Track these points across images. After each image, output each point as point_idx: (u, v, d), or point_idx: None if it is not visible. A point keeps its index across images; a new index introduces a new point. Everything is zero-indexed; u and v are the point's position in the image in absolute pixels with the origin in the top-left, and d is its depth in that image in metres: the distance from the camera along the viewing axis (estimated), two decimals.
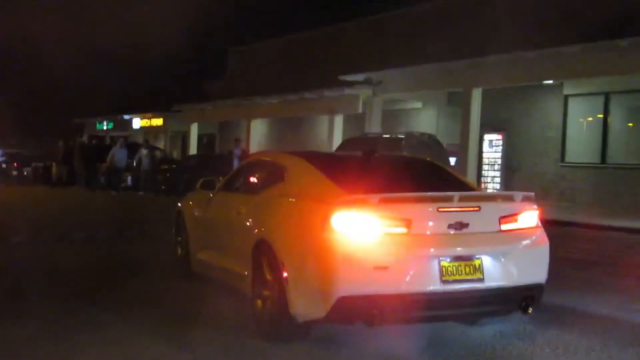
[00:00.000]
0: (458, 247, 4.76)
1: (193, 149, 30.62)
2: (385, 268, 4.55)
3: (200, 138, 32.03)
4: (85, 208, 16.04)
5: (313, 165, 5.61)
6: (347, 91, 21.67)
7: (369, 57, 21.53)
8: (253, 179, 6.60)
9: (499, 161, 18.85)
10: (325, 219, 4.65)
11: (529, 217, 5.09)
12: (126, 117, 37.01)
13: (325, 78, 22.22)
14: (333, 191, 5.01)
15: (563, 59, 15.85)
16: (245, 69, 30.39)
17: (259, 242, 5.34)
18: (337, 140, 21.42)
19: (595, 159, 17.29)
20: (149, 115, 35.14)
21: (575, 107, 17.95)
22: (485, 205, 4.97)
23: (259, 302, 5.30)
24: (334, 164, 5.95)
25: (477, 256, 4.78)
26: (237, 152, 20.41)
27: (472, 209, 4.86)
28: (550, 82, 17.46)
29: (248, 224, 5.70)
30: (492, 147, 18.98)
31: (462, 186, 5.66)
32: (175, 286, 7.14)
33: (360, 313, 4.56)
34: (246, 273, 5.58)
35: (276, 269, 4.98)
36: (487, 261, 4.79)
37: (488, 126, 18.79)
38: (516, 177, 18.61)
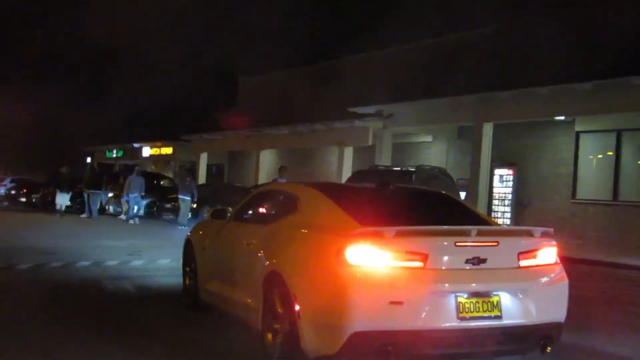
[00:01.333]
0: (475, 283, 4.65)
1: (202, 179, 30.65)
2: (400, 303, 4.43)
3: (209, 168, 32.10)
4: (94, 236, 15.97)
5: (327, 197, 5.50)
6: (357, 123, 21.71)
7: (380, 90, 21.57)
8: (265, 209, 6.50)
9: (510, 196, 18.69)
10: (340, 252, 4.55)
11: (548, 254, 4.98)
12: (136, 145, 37.18)
13: (336, 110, 22.27)
14: (347, 223, 4.90)
15: (575, 95, 15.85)
16: (255, 100, 30.53)
17: (270, 273, 5.22)
18: (347, 172, 21.39)
19: (606, 196, 17.15)
20: (159, 144, 35.32)
21: (587, 143, 17.88)
22: (503, 241, 4.86)
23: (269, 335, 5.16)
24: (348, 195, 5.85)
25: (494, 293, 4.66)
26: (281, 182, 17.33)
27: (490, 244, 4.75)
28: (562, 118, 17.42)
29: (259, 255, 5.58)
30: (503, 182, 18.84)
31: (479, 220, 5.54)
32: (182, 316, 7.02)
33: (374, 349, 4.43)
34: (256, 305, 5.45)
35: (288, 302, 4.86)
36: (505, 298, 4.67)
37: (499, 161, 18.72)
38: (526, 213, 18.46)
